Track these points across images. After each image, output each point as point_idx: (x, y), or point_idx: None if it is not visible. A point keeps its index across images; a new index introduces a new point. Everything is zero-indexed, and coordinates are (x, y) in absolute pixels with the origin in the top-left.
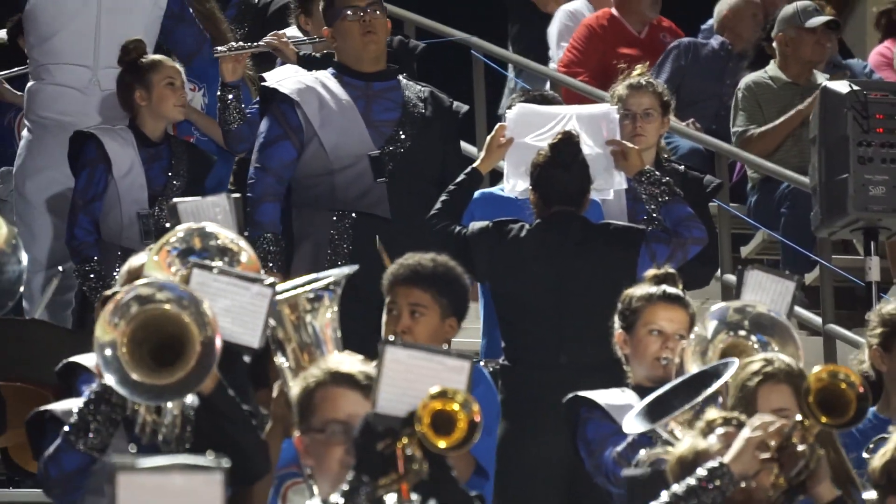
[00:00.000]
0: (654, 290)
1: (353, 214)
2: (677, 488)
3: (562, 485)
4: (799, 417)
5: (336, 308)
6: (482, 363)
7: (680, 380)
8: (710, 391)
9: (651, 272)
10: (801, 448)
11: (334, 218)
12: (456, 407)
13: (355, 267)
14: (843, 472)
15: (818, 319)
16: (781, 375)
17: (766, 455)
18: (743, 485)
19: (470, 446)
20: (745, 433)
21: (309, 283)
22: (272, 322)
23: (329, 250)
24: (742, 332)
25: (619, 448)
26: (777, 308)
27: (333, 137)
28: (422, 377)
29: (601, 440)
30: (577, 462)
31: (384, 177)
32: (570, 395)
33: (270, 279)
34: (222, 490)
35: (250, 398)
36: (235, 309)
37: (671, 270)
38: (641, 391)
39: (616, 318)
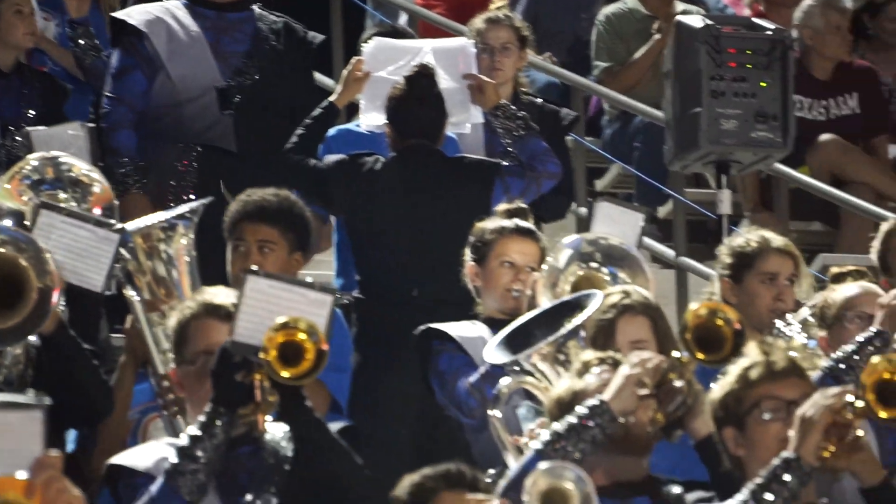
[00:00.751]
0: (506, 222)
1: (199, 147)
2: (558, 426)
3: (414, 417)
4: (676, 354)
5: (192, 236)
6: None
7: (541, 310)
8: (574, 324)
9: (503, 206)
10: (678, 384)
11: (180, 150)
12: (302, 336)
13: (211, 198)
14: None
15: (671, 252)
16: (639, 307)
17: (644, 391)
18: (622, 421)
19: (317, 374)
20: (625, 370)
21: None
22: (125, 254)
23: (173, 182)
24: (594, 264)
25: (473, 379)
26: (627, 239)
27: (181, 69)
28: (282, 308)
29: (454, 372)
30: (428, 394)
31: (230, 109)
32: (422, 328)
33: (119, 224)
34: (42, 427)
35: (99, 336)
36: (80, 251)
37: (523, 205)
38: (492, 324)
39: (467, 251)
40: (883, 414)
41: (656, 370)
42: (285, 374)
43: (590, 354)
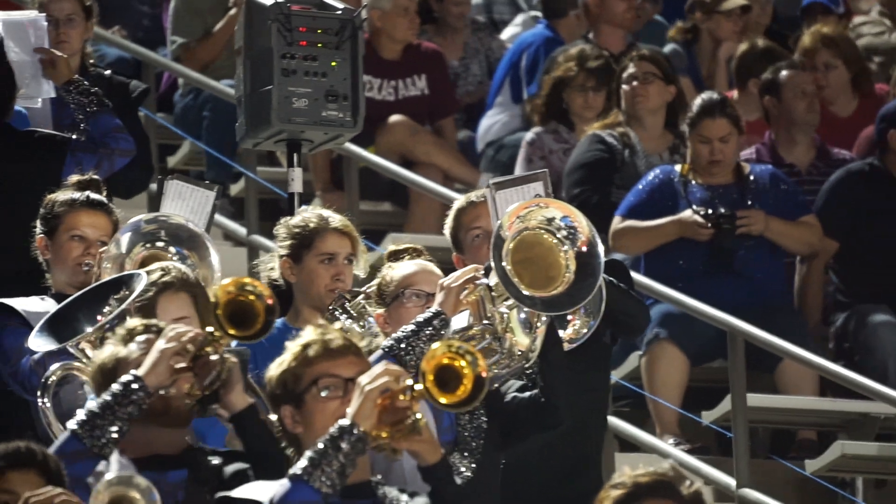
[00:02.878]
0: (77, 195)
1: None
2: (93, 405)
3: None
4: (210, 329)
5: None
6: None
7: (82, 292)
8: (119, 309)
9: (75, 178)
10: (213, 358)
11: None
12: None
13: None
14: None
15: (243, 230)
16: (179, 284)
17: (181, 364)
18: (162, 393)
19: None
20: (160, 344)
21: None
22: None
23: None
24: (160, 244)
25: (37, 357)
26: (197, 218)
27: None
28: None
29: (18, 348)
30: None
31: None
32: None
33: None
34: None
35: None
36: None
37: (96, 177)
38: (62, 298)
39: (38, 223)
40: (443, 399)
41: (192, 343)
42: None
43: (135, 321)
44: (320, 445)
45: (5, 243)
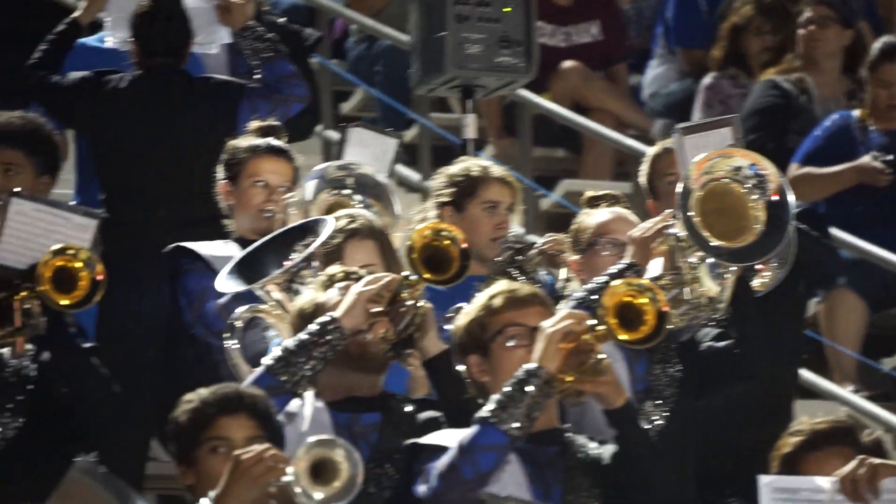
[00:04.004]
0: (258, 141)
1: None
2: (289, 343)
3: (161, 337)
4: (406, 274)
5: None
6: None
7: (270, 236)
8: (306, 252)
9: (256, 124)
10: (409, 303)
11: None
12: (79, 265)
13: None
14: None
15: (416, 176)
16: (365, 231)
17: (376, 309)
18: (358, 338)
19: (92, 304)
20: (357, 288)
21: None
22: None
23: None
24: (346, 191)
25: (222, 300)
26: (379, 165)
27: None
28: (46, 232)
29: (202, 291)
30: (176, 313)
31: None
32: (172, 246)
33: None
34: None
35: None
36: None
37: (276, 122)
38: (245, 243)
39: (220, 169)
40: (623, 336)
41: (388, 287)
42: (64, 301)
43: (335, 268)
44: (507, 389)
45: (185, 189)
